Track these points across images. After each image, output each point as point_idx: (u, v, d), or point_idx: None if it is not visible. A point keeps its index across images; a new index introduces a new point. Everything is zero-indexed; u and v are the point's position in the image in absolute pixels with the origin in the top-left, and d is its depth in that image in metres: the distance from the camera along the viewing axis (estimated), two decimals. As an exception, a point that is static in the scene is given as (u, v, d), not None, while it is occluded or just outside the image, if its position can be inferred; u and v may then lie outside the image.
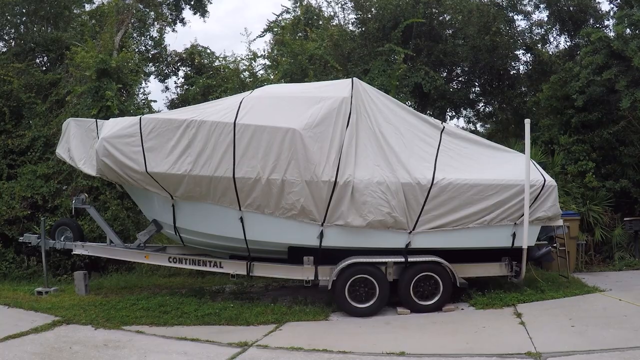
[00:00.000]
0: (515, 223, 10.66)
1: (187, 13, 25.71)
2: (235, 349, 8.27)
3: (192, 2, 24.18)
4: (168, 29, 23.64)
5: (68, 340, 8.86)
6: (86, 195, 13.41)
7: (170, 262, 11.61)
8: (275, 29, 20.10)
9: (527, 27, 19.69)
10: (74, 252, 12.59)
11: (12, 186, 15.58)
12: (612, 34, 16.07)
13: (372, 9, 18.10)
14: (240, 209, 10.51)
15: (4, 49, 19.97)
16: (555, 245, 11.87)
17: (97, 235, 14.29)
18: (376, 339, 8.66)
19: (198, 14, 24.47)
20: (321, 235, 10.41)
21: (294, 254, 10.85)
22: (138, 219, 15.02)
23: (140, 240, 12.05)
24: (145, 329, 9.55)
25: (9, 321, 10.05)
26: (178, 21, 24.36)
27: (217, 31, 44.26)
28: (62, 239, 12.62)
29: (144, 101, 18.75)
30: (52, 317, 10.27)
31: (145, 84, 21.56)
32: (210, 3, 24.56)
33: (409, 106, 13.53)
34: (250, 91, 12.14)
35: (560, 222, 11.24)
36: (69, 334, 9.26)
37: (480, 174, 10.58)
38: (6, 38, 20.58)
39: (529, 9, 19.44)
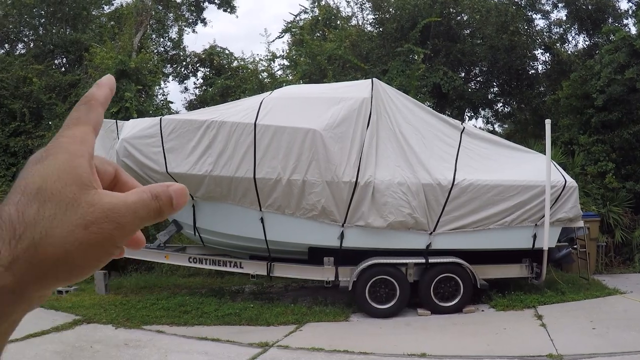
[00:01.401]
0: (535, 224, 10.60)
1: (210, 12, 25.79)
2: (256, 349, 8.29)
3: (218, 1, 24.20)
4: (188, 29, 23.75)
5: (89, 339, 8.92)
6: (106, 195, 13.46)
7: (191, 262, 11.65)
8: (294, 30, 20.11)
9: (545, 26, 19.64)
10: (94, 252, 12.63)
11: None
12: (633, 31, 15.93)
13: (390, 9, 18.09)
14: (260, 210, 10.53)
15: (24, 51, 20.17)
16: (575, 246, 11.78)
17: (116, 235, 14.34)
18: (397, 340, 8.65)
19: (227, 10, 24.49)
20: (342, 236, 10.41)
21: (314, 255, 10.85)
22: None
23: (160, 240, 12.09)
24: (165, 328, 9.60)
25: (30, 320, 10.03)
26: (199, 22, 24.45)
27: (233, 32, 44.36)
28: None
29: (162, 102, 18.85)
30: (73, 316, 10.33)
31: (164, 84, 21.70)
32: (235, -1, 24.64)
33: (428, 106, 13.49)
34: (269, 92, 12.16)
35: (580, 224, 11.16)
36: (90, 333, 9.32)
37: (501, 175, 10.53)
38: (25, 40, 20.81)
39: (547, 8, 19.38)
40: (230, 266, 11.37)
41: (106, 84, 0.74)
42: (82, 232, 0.60)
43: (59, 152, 0.63)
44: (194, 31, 24.19)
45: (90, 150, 0.65)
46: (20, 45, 20.84)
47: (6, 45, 20.47)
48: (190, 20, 24.02)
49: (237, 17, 26.05)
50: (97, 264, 0.63)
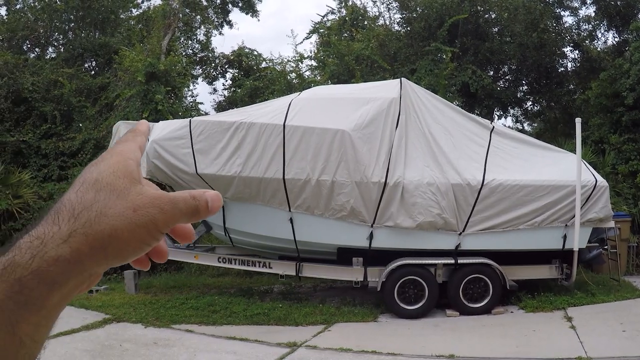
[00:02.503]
0: (566, 225, 10.49)
1: (234, 15, 26.00)
2: (284, 349, 8.33)
3: (241, 4, 24.40)
4: (215, 32, 23.94)
5: (118, 337, 9.03)
6: (136, 196, 13.62)
7: (220, 262, 11.74)
8: (321, 30, 20.15)
9: (574, 23, 19.41)
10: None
11: (63, 187, 15.94)
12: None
13: (418, 8, 18.04)
14: (290, 210, 10.57)
15: (54, 55, 20.50)
16: (606, 247, 11.62)
17: (146, 236, 14.49)
18: (425, 341, 8.64)
19: (249, 14, 24.69)
20: (371, 236, 10.41)
21: (343, 255, 10.86)
22: (187, 220, 15.21)
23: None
24: (194, 327, 9.68)
25: (61, 318, 9.72)
26: (225, 24, 24.64)
27: (260, 33, 44.59)
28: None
29: (192, 103, 19.03)
30: (103, 315, 10.47)
31: (193, 86, 21.90)
32: (260, 1, 24.81)
33: (457, 106, 13.43)
34: (298, 93, 12.21)
35: (611, 224, 11.02)
36: (119, 332, 9.44)
37: (531, 175, 10.45)
38: (56, 44, 21.15)
39: (576, 4, 19.16)
40: (259, 266, 11.44)
41: (143, 124, 0.87)
42: (131, 213, 0.69)
43: (112, 155, 0.75)
44: (220, 33, 24.40)
45: (138, 158, 0.77)
46: (50, 50, 21.20)
47: (37, 50, 20.83)
48: (217, 23, 24.21)
49: (258, 20, 26.27)
50: (142, 246, 0.72)
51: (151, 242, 0.72)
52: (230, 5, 24.45)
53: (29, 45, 20.72)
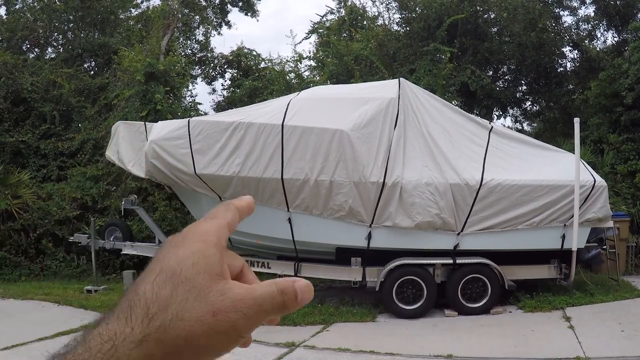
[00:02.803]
0: (564, 224, 10.49)
1: (234, 15, 26.01)
2: (283, 349, 8.34)
3: (240, 4, 24.42)
4: (214, 32, 23.96)
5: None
6: (135, 196, 13.65)
7: (218, 262, 11.70)
8: (320, 30, 20.16)
9: (573, 23, 19.39)
10: (123, 252, 12.82)
11: (63, 187, 15.97)
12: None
13: (417, 8, 18.03)
14: (288, 210, 10.58)
15: (53, 55, 20.52)
16: (604, 247, 11.63)
17: (145, 236, 14.54)
18: (424, 341, 8.64)
19: (248, 14, 24.70)
20: (369, 236, 10.41)
21: (342, 255, 10.87)
22: (186, 220, 15.22)
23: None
24: (193, 328, 9.66)
25: (59, 318, 10.31)
26: (224, 24, 24.64)
27: (259, 34, 44.62)
28: (111, 239, 12.89)
29: (191, 104, 19.05)
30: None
31: (192, 86, 21.91)
32: (259, 1, 24.83)
33: (456, 106, 13.44)
34: (297, 93, 12.21)
35: (610, 224, 11.03)
36: (119, 332, 9.42)
37: (529, 175, 10.45)
38: (55, 44, 21.18)
39: (575, 4, 19.12)
40: (257, 266, 11.43)
41: (246, 200, 0.78)
42: (210, 319, 0.63)
43: (195, 240, 0.68)
44: (219, 33, 24.42)
45: (223, 243, 0.70)
46: (49, 50, 21.21)
47: (36, 50, 20.83)
48: (215, 23, 24.21)
49: (257, 20, 26.24)
50: (221, 351, 0.66)
51: (230, 347, 0.66)
52: (229, 6, 24.45)
53: (28, 46, 20.73)
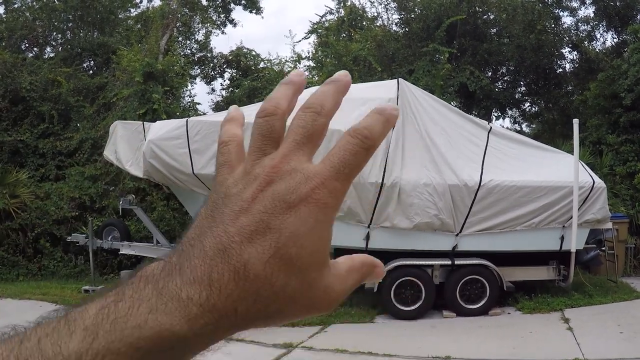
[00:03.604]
0: (563, 226, 10.49)
1: (236, 13, 25.88)
2: (280, 350, 8.32)
3: (244, 2, 24.32)
4: (217, 31, 23.89)
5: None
6: (133, 196, 13.64)
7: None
8: (320, 31, 20.15)
9: (572, 24, 19.41)
10: (121, 252, 12.80)
11: (61, 187, 15.95)
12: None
13: (416, 9, 18.03)
14: (285, 211, 10.53)
15: (52, 54, 20.50)
16: (603, 248, 11.62)
17: (143, 236, 14.51)
18: (422, 342, 8.63)
19: (252, 11, 24.60)
20: (367, 237, 10.40)
21: (340, 256, 10.78)
22: (184, 220, 15.21)
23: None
24: (191, 328, 9.64)
25: None
26: (228, 22, 24.56)
27: (259, 34, 44.55)
28: (109, 239, 12.86)
29: (189, 104, 19.03)
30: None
31: (191, 86, 21.89)
32: (261, -2, 24.70)
33: (455, 106, 13.43)
34: (295, 93, 12.18)
35: (609, 225, 11.04)
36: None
37: (528, 176, 10.44)
38: (54, 44, 21.15)
39: (574, 5, 19.14)
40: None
41: (388, 119, 0.62)
42: (305, 314, 0.57)
43: (316, 213, 0.55)
44: (222, 32, 24.34)
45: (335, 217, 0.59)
46: (48, 49, 21.18)
47: (35, 49, 20.79)
48: (219, 22, 24.16)
49: (262, 17, 26.08)
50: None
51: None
52: (232, 4, 24.35)
53: (27, 45, 20.69)
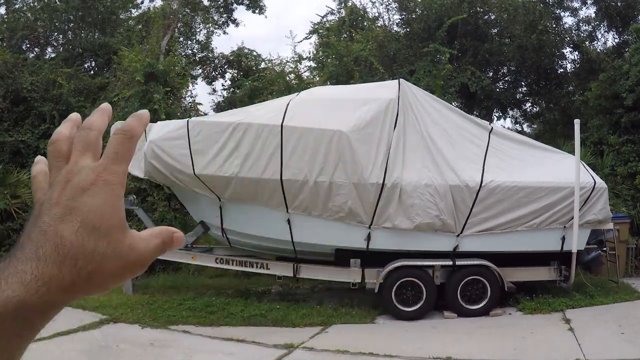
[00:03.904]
0: (564, 226, 10.49)
1: (238, 13, 25.79)
2: (281, 350, 8.32)
3: (247, 2, 24.27)
4: (219, 31, 23.87)
5: (115, 338, 9.02)
6: (134, 196, 13.63)
7: (218, 263, 11.71)
8: (321, 31, 20.16)
9: (574, 24, 19.39)
10: (122, 252, 12.77)
11: (62, 187, 15.92)
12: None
13: (417, 9, 18.03)
14: (287, 211, 10.55)
15: (53, 55, 20.51)
16: (604, 249, 11.59)
17: (144, 236, 14.46)
18: (422, 343, 8.62)
19: (255, 11, 24.56)
20: (368, 237, 10.39)
21: (341, 256, 10.84)
22: (185, 220, 15.20)
23: (187, 241, 12.15)
24: (191, 328, 9.66)
25: (57, 318, 9.82)
26: (230, 22, 24.53)
27: (260, 34, 44.53)
28: (110, 240, 12.81)
29: (190, 104, 19.03)
30: (100, 316, 10.44)
31: (192, 86, 21.89)
32: (264, -4, 24.60)
33: (456, 107, 13.42)
34: (296, 93, 12.19)
35: (610, 226, 11.04)
36: (116, 333, 9.42)
37: (529, 176, 10.44)
38: (55, 44, 21.17)
39: (576, 5, 19.13)
40: (257, 267, 11.41)
41: (141, 117, 0.81)
42: (122, 271, 0.72)
43: (105, 190, 0.71)
44: (224, 32, 24.32)
45: (124, 191, 0.74)
46: (49, 49, 21.21)
47: (36, 49, 20.81)
48: (221, 22, 24.13)
49: (266, 17, 25.94)
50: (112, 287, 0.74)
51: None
52: (234, 4, 24.31)
53: (28, 45, 20.71)
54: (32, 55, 20.34)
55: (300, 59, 18.71)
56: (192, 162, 10.69)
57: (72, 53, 19.74)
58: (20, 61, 18.09)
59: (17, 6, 20.83)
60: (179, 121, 11.56)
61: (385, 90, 11.01)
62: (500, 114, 21.00)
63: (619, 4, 18.02)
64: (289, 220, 10.60)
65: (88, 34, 20.53)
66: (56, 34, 21.03)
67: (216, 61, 23.01)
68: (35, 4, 20.74)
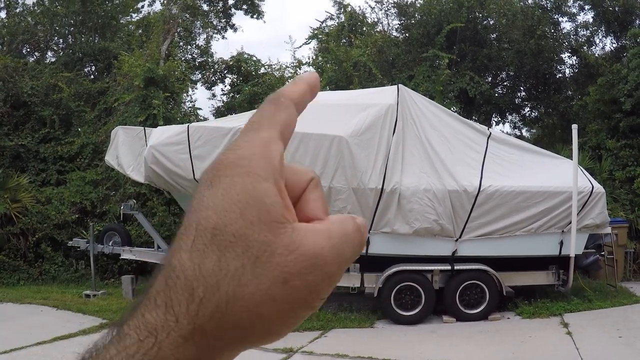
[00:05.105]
0: (562, 231, 10.52)
1: (237, 19, 25.78)
2: (281, 354, 8.34)
3: (245, 7, 24.33)
4: (217, 36, 23.92)
5: (116, 342, 9.03)
6: (134, 201, 13.67)
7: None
8: (320, 36, 20.21)
9: (572, 29, 19.49)
10: (122, 257, 12.83)
11: (62, 192, 15.99)
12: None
13: (416, 15, 18.09)
14: (286, 216, 10.55)
15: (54, 59, 20.56)
16: (602, 253, 11.64)
17: (144, 241, 14.54)
18: (421, 348, 8.65)
19: (254, 16, 24.61)
20: (367, 242, 10.40)
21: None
22: (184, 226, 15.22)
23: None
24: (191, 333, 9.66)
25: (58, 322, 10.32)
26: (228, 27, 24.57)
27: (259, 39, 44.55)
28: (110, 244, 12.90)
29: (190, 109, 19.08)
30: (100, 320, 10.49)
31: (192, 91, 21.92)
32: (263, 2, 24.65)
33: (454, 112, 13.50)
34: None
35: (608, 230, 11.08)
36: (117, 337, 9.43)
37: (527, 181, 10.48)
38: (55, 48, 21.21)
39: (573, 10, 19.20)
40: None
41: (305, 79, 0.56)
42: (281, 288, 0.45)
43: (235, 172, 0.47)
44: (223, 37, 24.35)
45: (277, 165, 0.48)
46: (50, 54, 21.25)
47: (37, 54, 20.87)
48: (220, 27, 24.17)
49: (264, 22, 25.94)
50: (297, 322, 0.48)
51: (312, 312, 0.49)
52: (233, 9, 24.37)
53: (28, 49, 20.76)
54: (33, 59, 20.39)
55: (299, 64, 18.82)
56: (193, 167, 10.72)
57: (73, 57, 19.79)
58: (20, 65, 18.13)
59: (17, 10, 20.87)
60: (179, 126, 11.60)
61: (384, 95, 11.06)
62: (499, 119, 21.07)
63: (616, 9, 18.09)
64: (288, 226, 10.61)
65: (88, 38, 20.57)
66: (56, 38, 21.07)
67: (216, 66, 23.03)
68: (36, 8, 20.78)
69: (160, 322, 0.44)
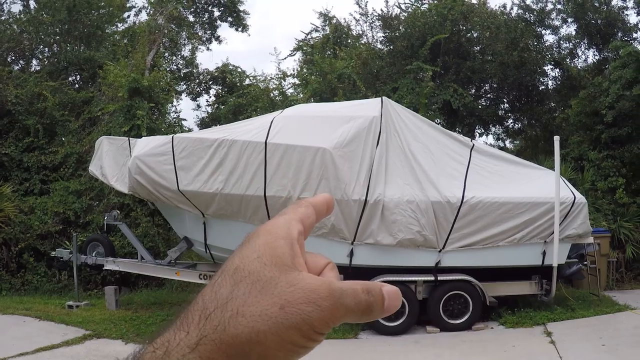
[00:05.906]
0: (545, 241, 10.61)
1: (222, 30, 25.94)
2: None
3: (231, 20, 24.44)
4: (202, 47, 23.96)
5: (98, 353, 9.00)
6: (118, 211, 13.63)
7: (201, 279, 11.70)
8: (305, 48, 20.29)
9: (555, 41, 19.66)
10: (105, 268, 12.76)
11: (45, 201, 15.89)
12: (641, 47, 15.96)
13: (400, 27, 18.20)
14: (271, 228, 10.55)
15: (38, 68, 20.46)
16: (585, 263, 11.74)
17: (127, 252, 14.48)
18: (405, 358, 8.70)
19: (239, 29, 24.72)
20: (351, 253, 10.45)
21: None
22: (168, 236, 15.21)
23: (171, 256, 12.18)
24: (175, 345, 9.62)
25: (40, 334, 10.24)
26: (213, 39, 24.66)
27: (244, 50, 44.61)
28: (93, 255, 12.81)
29: (175, 120, 19.06)
30: (83, 331, 10.42)
31: (177, 102, 21.91)
32: (248, 15, 24.80)
33: (438, 124, 13.59)
34: (280, 110, 12.27)
35: (590, 240, 11.17)
36: (100, 348, 9.40)
37: (510, 192, 10.56)
38: (40, 57, 21.11)
39: (556, 23, 19.40)
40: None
41: (323, 195, 0.75)
42: (278, 312, 0.56)
43: (260, 234, 0.62)
44: (208, 49, 24.42)
45: (293, 233, 0.63)
46: (35, 62, 21.14)
47: (21, 62, 20.75)
48: (205, 38, 24.24)
49: (249, 35, 26.02)
50: (293, 349, 0.58)
51: (308, 345, 0.59)
52: (218, 21, 24.48)
53: (13, 57, 20.63)
54: (17, 67, 20.26)
55: (284, 75, 18.86)
56: (177, 178, 10.72)
57: (58, 66, 19.70)
58: (5, 73, 18.00)
59: (3, 18, 20.78)
60: (163, 137, 11.59)
61: (368, 107, 11.11)
62: (483, 131, 21.15)
63: (599, 22, 18.30)
64: (272, 237, 10.61)
65: (74, 47, 20.49)
66: (42, 46, 20.97)
67: (201, 77, 23.06)
68: (22, 16, 20.71)
69: (173, 334, 0.57)
